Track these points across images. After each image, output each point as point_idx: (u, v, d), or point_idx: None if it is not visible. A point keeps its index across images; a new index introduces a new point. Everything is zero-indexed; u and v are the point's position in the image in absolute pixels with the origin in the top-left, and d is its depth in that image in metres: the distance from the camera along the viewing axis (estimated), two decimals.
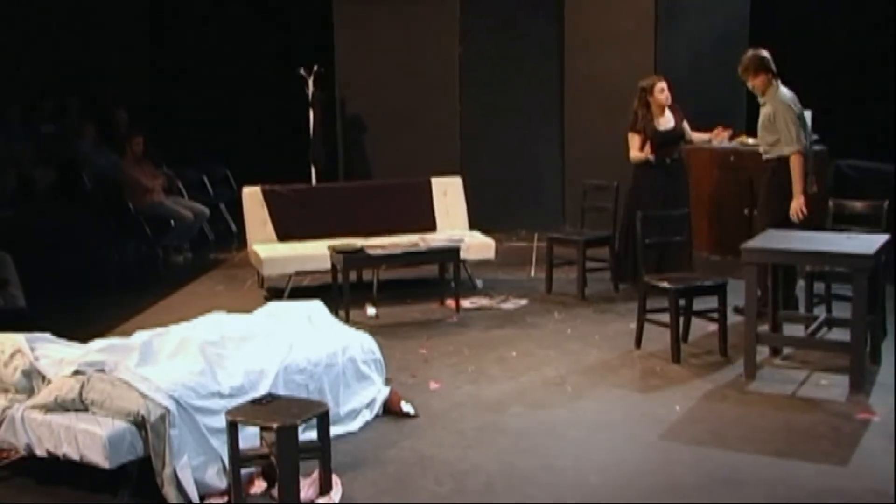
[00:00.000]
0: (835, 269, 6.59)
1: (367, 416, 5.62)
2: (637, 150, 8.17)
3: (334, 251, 7.91)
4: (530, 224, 10.74)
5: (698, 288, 6.83)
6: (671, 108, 8.20)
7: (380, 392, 5.75)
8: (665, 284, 6.69)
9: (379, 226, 8.78)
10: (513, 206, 11.04)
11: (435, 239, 8.43)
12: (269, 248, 8.49)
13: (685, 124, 8.33)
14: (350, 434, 5.43)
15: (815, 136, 7.42)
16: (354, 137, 11.34)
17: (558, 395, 6.08)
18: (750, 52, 7.26)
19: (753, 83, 7.18)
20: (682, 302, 6.79)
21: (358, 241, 8.21)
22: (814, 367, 6.46)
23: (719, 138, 8.14)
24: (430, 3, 11.10)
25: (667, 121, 8.20)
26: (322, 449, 4.72)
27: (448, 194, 9.26)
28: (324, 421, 4.73)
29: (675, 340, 6.63)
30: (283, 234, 8.72)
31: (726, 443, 5.25)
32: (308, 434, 4.82)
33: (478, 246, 8.73)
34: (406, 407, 5.73)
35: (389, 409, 5.73)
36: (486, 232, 9.11)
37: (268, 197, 8.80)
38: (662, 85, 8.17)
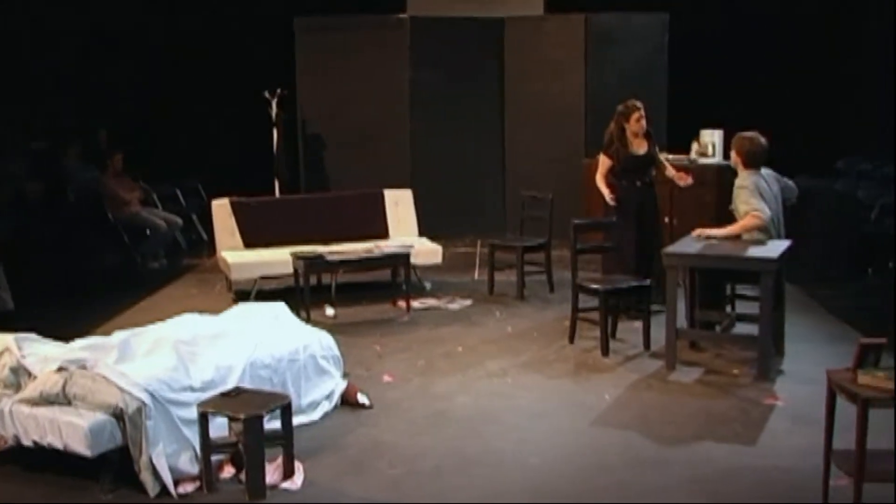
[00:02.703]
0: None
1: (326, 406, 5.60)
2: (602, 174, 7.61)
3: (296, 257, 7.88)
4: (474, 231, 10.76)
5: (624, 288, 6.90)
6: (645, 134, 7.60)
7: (338, 385, 5.73)
8: (595, 285, 6.75)
9: (337, 234, 8.73)
10: (458, 216, 11.05)
11: (387, 245, 8.42)
12: (237, 255, 8.42)
13: (657, 149, 7.78)
14: (311, 423, 5.41)
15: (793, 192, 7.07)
16: (314, 154, 11.30)
17: (500, 386, 6.11)
18: (739, 134, 6.80)
19: (733, 159, 6.84)
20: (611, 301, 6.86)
21: (318, 248, 8.17)
22: (726, 358, 6.57)
23: (682, 181, 7.70)
24: (384, 33, 11.09)
25: (640, 146, 7.56)
26: (285, 437, 4.71)
27: (399, 205, 9.25)
28: (287, 411, 4.72)
29: (605, 336, 6.68)
30: (250, 242, 8.65)
31: (650, 427, 5.31)
32: (273, 424, 4.79)
33: (426, 251, 8.73)
34: (362, 398, 5.72)
35: (347, 401, 5.72)
36: (433, 239, 9.11)
37: (235, 208, 8.73)
38: (640, 114, 7.48)
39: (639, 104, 7.52)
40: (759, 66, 11.75)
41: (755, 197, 6.46)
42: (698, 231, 6.75)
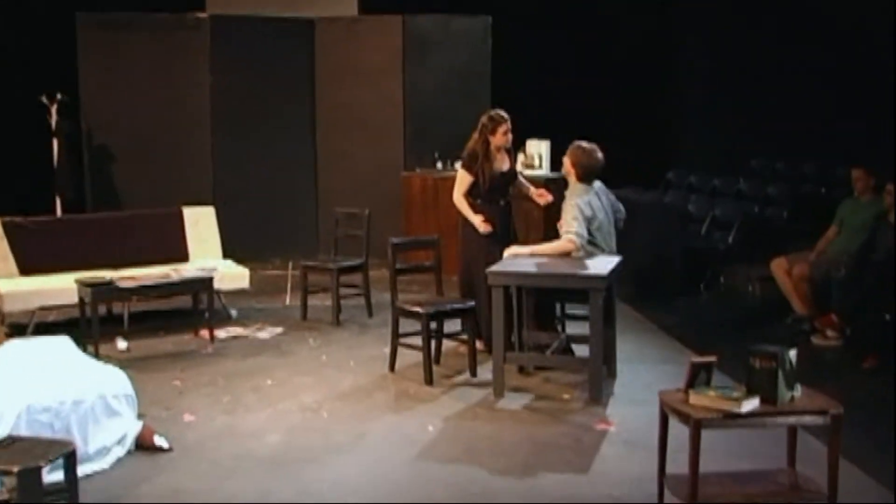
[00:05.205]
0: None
1: (118, 452, 5.40)
2: (462, 193, 7.29)
3: (82, 284, 7.60)
4: (284, 252, 10.70)
5: (448, 311, 6.98)
6: (507, 149, 7.41)
7: (132, 427, 5.54)
8: (416, 308, 6.81)
9: (129, 257, 8.51)
10: (267, 235, 10.98)
11: (187, 269, 8.27)
12: (11, 283, 8.04)
13: (516, 165, 7.79)
14: (101, 472, 5.19)
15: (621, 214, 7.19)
16: (102, 167, 10.93)
17: (315, 420, 6.06)
18: (576, 144, 6.93)
19: (566, 168, 6.96)
20: (433, 325, 6.93)
21: (107, 274, 7.93)
22: (556, 382, 6.74)
23: (543, 200, 7.69)
24: (180, 32, 10.89)
25: (503, 162, 7.36)
26: (69, 490, 4.51)
27: (200, 224, 9.08)
28: (71, 460, 4.51)
29: (428, 362, 6.74)
30: (26, 268, 8.27)
31: (478, 459, 5.38)
32: (55, 475, 4.58)
33: (232, 275, 8.60)
34: (159, 441, 5.55)
35: (142, 444, 5.53)
36: (240, 261, 9.00)
37: (8, 229, 8.33)
38: (507, 127, 7.23)
39: (505, 115, 7.28)
40: (587, 74, 12.23)
41: (578, 219, 6.67)
42: (511, 250, 6.90)
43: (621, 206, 7.13)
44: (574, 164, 6.87)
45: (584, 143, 6.92)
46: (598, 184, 6.95)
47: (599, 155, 6.88)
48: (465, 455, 5.44)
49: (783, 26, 11.05)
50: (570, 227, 6.66)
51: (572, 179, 6.90)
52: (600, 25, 12.39)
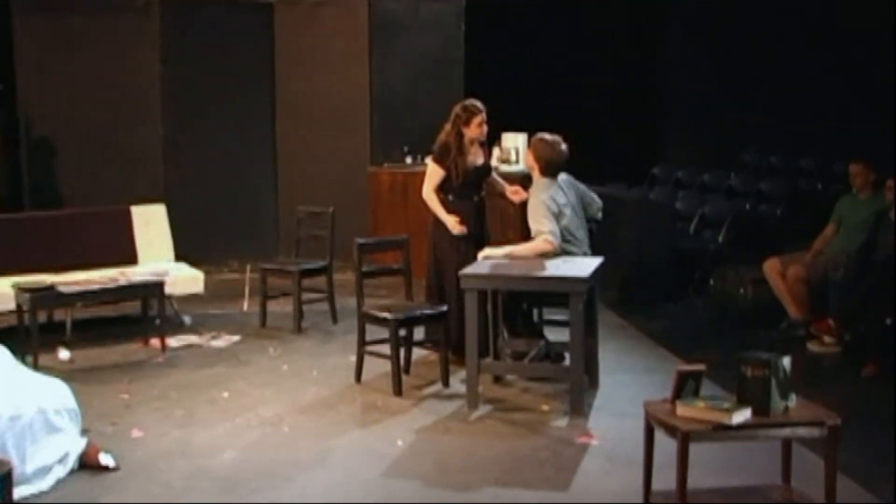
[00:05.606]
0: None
1: (60, 472, 5.35)
2: (433, 188, 7.31)
3: (19, 289, 7.56)
4: (242, 254, 10.66)
5: (419, 317, 6.98)
6: (481, 142, 7.42)
7: (75, 444, 5.50)
8: (384, 314, 6.79)
9: (73, 260, 8.46)
10: (223, 236, 10.94)
11: (136, 273, 8.24)
12: None
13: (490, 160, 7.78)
14: (40, 494, 5.14)
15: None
16: (42, 162, 10.85)
17: (275, 436, 6.03)
18: (538, 136, 6.97)
19: (528, 163, 7.00)
20: (402, 332, 6.92)
21: (48, 278, 7.87)
22: (535, 393, 6.75)
23: (517, 196, 7.70)
24: (127, 15, 10.83)
25: (476, 156, 7.38)
26: None
27: (150, 223, 9.04)
28: (6, 481, 4.46)
29: (397, 372, 6.73)
30: None
31: (450, 475, 5.37)
32: None
33: (185, 279, 8.57)
34: (105, 459, 5.51)
35: (86, 463, 5.49)
36: (193, 264, 8.96)
37: None
38: (482, 119, 7.23)
39: (480, 106, 7.28)
40: (567, 63, 12.27)
41: (549, 216, 6.69)
42: (484, 251, 6.89)
43: (596, 197, 7.16)
44: (537, 158, 6.91)
45: (547, 135, 6.97)
46: (563, 176, 6.97)
47: (563, 146, 6.92)
48: (437, 471, 5.43)
49: (780, 7, 11.11)
50: (543, 226, 6.67)
51: (536, 174, 6.94)
52: (582, 10, 12.43)
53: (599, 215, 7.14)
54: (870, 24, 9.78)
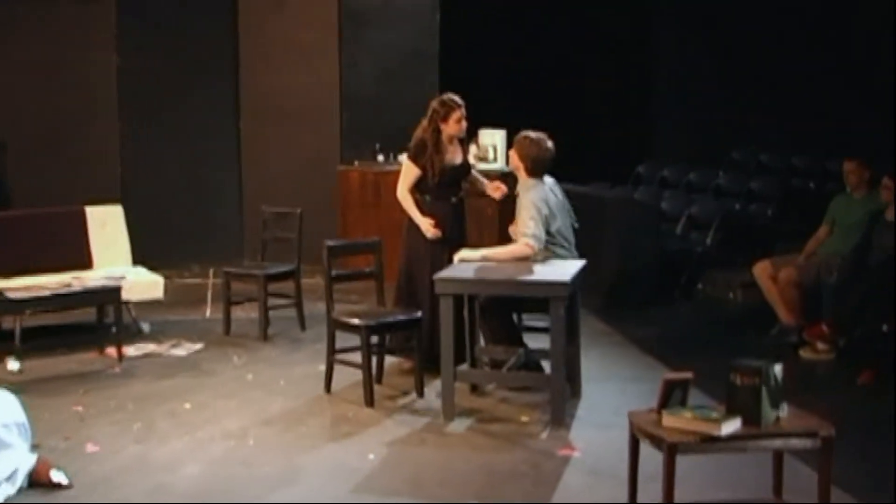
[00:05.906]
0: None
1: (8, 490, 5.32)
2: (408, 188, 7.30)
3: None
4: (205, 258, 10.64)
5: (392, 324, 6.98)
6: (459, 139, 7.41)
7: (24, 461, 5.47)
8: (355, 321, 6.79)
9: (22, 264, 8.42)
10: (184, 238, 10.91)
11: (91, 278, 8.22)
12: None
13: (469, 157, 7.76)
14: None
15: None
16: None
17: (239, 450, 6.02)
18: (522, 134, 6.97)
19: (513, 163, 6.98)
20: (374, 339, 6.92)
21: None
22: (514, 402, 6.77)
23: (498, 193, 7.45)
24: (82, 8, 10.80)
25: (454, 153, 7.36)
26: None
27: (107, 225, 9.02)
28: None
29: (368, 382, 6.73)
30: None
31: (424, 490, 5.38)
32: None
33: (143, 284, 8.56)
34: (57, 476, 5.48)
35: (37, 481, 5.45)
36: (152, 268, 8.95)
37: None
38: (461, 115, 7.21)
39: (459, 101, 7.26)
40: (548, 56, 12.30)
41: (535, 219, 6.70)
42: (460, 254, 6.89)
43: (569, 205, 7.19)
44: (522, 157, 6.91)
45: (531, 133, 6.98)
46: (548, 179, 6.99)
47: (549, 144, 6.93)
48: (411, 487, 5.44)
49: (777, 6, 11.19)
50: (527, 228, 6.68)
51: (522, 174, 6.94)
52: (564, 1, 12.47)
53: (576, 224, 7.15)
54: (868, 23, 9.86)
